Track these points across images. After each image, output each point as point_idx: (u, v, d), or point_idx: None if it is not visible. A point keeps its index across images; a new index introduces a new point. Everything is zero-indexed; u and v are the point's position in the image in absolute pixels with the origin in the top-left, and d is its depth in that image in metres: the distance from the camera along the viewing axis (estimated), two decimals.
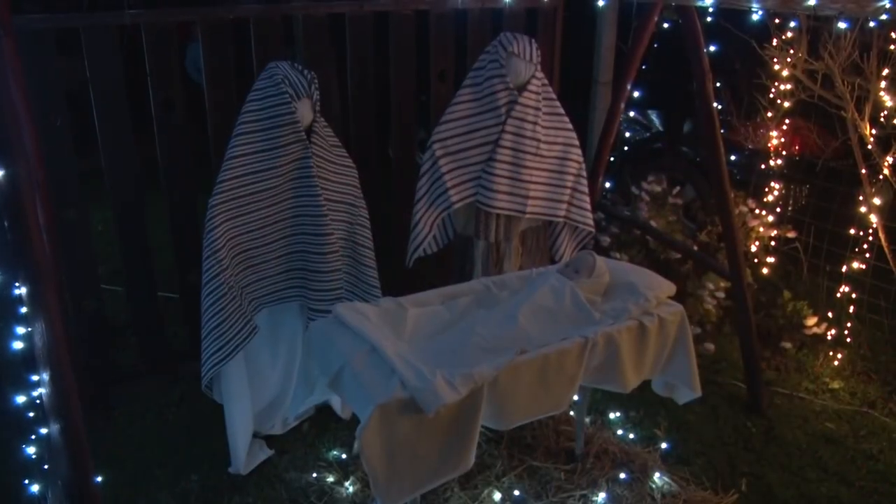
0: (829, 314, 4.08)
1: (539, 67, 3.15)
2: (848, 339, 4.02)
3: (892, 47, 3.57)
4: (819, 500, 2.97)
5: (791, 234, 4.30)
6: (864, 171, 3.76)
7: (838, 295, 4.09)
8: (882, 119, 3.70)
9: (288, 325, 3.14)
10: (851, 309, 4.06)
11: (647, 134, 5.63)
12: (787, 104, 4.19)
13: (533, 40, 3.13)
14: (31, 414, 2.42)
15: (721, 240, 3.88)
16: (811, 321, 3.97)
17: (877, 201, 3.78)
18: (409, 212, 3.31)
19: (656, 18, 3.50)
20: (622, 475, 2.96)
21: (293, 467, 3.03)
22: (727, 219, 3.34)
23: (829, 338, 4.01)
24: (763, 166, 4.46)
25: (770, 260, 4.23)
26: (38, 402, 2.30)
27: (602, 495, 2.87)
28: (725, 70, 4.67)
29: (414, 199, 3.27)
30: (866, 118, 3.66)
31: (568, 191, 3.32)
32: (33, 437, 2.45)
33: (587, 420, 3.26)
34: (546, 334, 2.51)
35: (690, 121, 5.35)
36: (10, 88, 2.28)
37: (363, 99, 3.70)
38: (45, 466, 2.45)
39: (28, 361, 2.23)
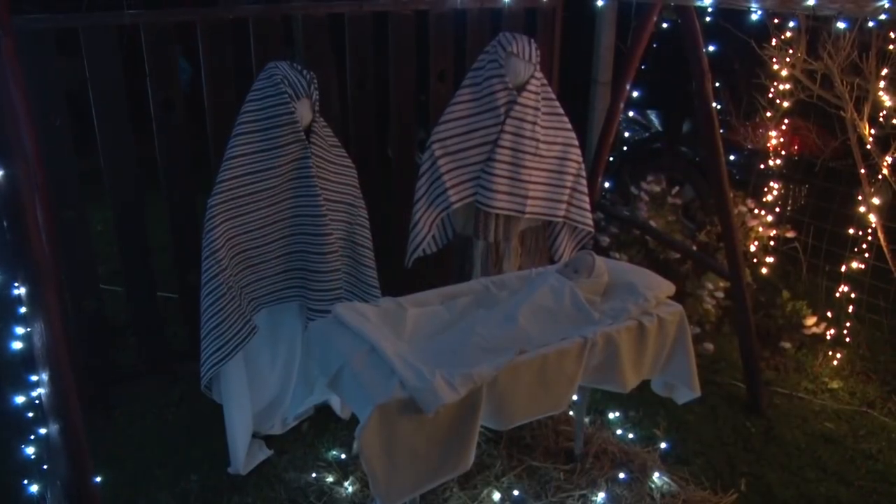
0: (829, 314, 4.09)
1: (538, 67, 3.15)
2: (847, 339, 4.03)
3: (890, 47, 3.57)
4: (818, 499, 2.97)
5: (790, 234, 4.30)
6: (863, 170, 3.76)
7: (837, 295, 4.09)
8: (881, 119, 3.70)
9: (287, 326, 3.14)
10: (850, 309, 4.06)
11: (647, 134, 5.63)
12: (786, 104, 4.19)
13: (532, 40, 3.13)
14: (31, 414, 2.42)
15: (720, 240, 3.88)
16: (810, 321, 3.97)
17: (876, 201, 3.78)
18: (409, 212, 3.31)
19: (655, 18, 3.51)
20: (621, 475, 2.96)
21: (292, 467, 3.03)
22: (726, 219, 3.34)
23: (828, 338, 4.01)
24: (762, 166, 4.47)
25: (769, 260, 4.24)
26: (37, 402, 2.30)
27: (601, 495, 2.87)
28: (724, 70, 4.67)
29: (413, 199, 3.27)
30: (865, 118, 3.66)
31: (567, 191, 3.32)
32: (32, 437, 2.46)
33: (586, 420, 3.26)
34: (545, 334, 2.51)
35: (689, 121, 5.35)
36: (10, 88, 2.28)
37: (363, 99, 3.70)
38: (45, 466, 2.45)
39: (27, 361, 2.23)
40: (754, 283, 4.05)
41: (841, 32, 3.53)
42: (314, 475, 2.97)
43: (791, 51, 3.97)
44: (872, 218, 3.79)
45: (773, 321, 4.02)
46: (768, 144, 4.40)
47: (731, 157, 4.65)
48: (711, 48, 3.91)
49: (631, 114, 5.62)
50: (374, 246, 3.15)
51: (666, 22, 4.19)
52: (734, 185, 4.14)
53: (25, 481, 2.50)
